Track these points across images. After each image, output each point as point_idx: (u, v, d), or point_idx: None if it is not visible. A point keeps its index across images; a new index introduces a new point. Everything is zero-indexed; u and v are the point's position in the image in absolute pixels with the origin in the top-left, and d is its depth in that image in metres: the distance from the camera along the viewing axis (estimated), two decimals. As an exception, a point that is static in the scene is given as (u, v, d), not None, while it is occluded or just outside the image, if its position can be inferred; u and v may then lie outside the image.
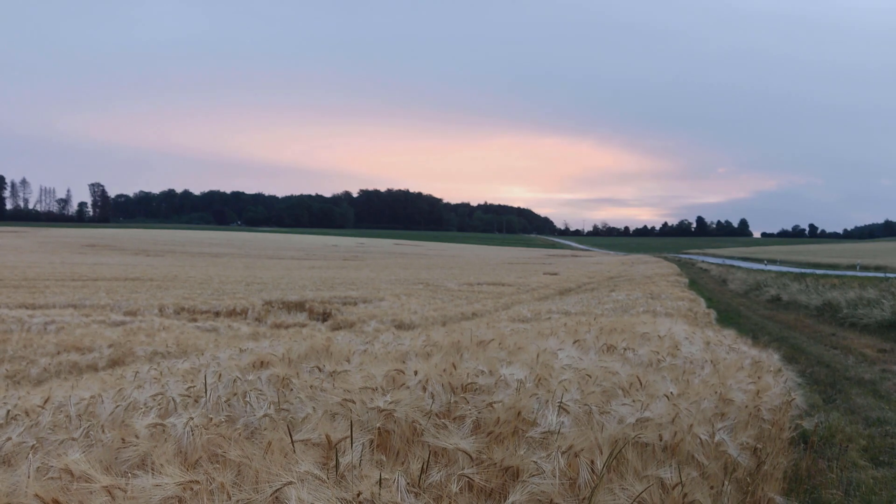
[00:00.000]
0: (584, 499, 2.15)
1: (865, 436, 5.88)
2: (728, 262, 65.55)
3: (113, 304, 22.25)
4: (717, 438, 3.27)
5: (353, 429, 2.17)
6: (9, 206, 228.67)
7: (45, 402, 3.25)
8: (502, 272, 52.69)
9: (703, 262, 70.84)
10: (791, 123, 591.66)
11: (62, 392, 3.72)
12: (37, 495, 1.69)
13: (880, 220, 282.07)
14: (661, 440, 2.98)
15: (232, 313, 20.24)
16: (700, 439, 3.18)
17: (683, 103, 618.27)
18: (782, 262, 55.72)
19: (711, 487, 2.88)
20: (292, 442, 2.00)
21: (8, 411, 3.34)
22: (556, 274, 50.75)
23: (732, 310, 22.35)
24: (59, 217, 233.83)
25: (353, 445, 2.05)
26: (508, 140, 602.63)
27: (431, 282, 36.99)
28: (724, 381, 4.41)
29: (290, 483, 1.68)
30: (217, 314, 19.88)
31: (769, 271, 39.83)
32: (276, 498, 1.69)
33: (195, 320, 17.69)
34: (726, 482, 3.03)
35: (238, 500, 1.68)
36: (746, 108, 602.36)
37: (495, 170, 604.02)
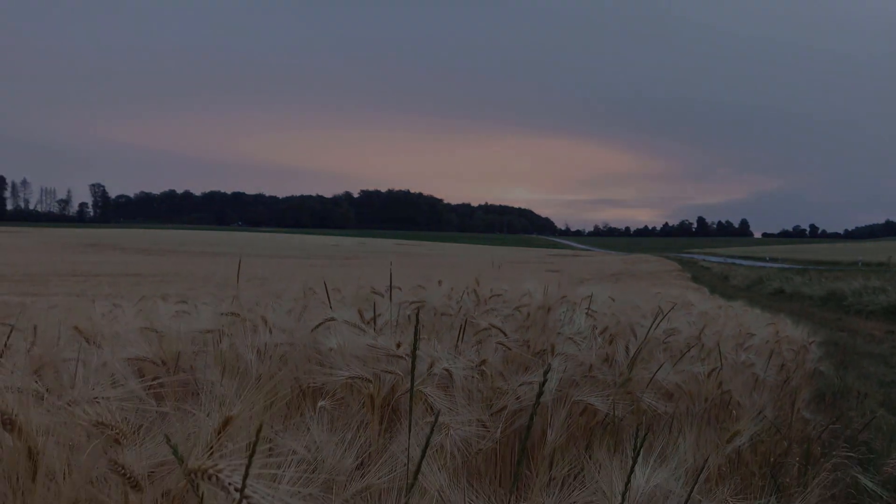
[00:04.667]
0: (621, 373, 2.12)
1: (881, 393, 5.88)
2: (729, 260, 65.47)
3: (116, 294, 22.25)
4: (742, 358, 3.25)
5: (386, 310, 2.15)
6: (9, 206, 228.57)
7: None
8: (504, 270, 52.67)
9: (704, 260, 70.74)
10: (791, 124, 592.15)
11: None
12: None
13: (881, 221, 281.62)
14: (689, 350, 2.95)
15: (235, 302, 20.21)
16: (727, 358, 3.15)
17: (684, 104, 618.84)
18: (784, 261, 55.71)
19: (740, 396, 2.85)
20: (329, 300, 1.96)
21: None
22: (558, 272, 50.70)
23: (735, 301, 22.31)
24: (59, 217, 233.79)
25: (389, 314, 2.02)
26: (510, 141, 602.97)
27: (434, 279, 36.96)
28: (743, 322, 4.39)
29: (332, 319, 1.65)
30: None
31: (771, 267, 39.73)
32: (316, 339, 1.66)
33: (199, 307, 17.66)
34: (754, 393, 2.99)
35: (278, 343, 1.65)
36: (747, 109, 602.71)
37: (496, 171, 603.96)
